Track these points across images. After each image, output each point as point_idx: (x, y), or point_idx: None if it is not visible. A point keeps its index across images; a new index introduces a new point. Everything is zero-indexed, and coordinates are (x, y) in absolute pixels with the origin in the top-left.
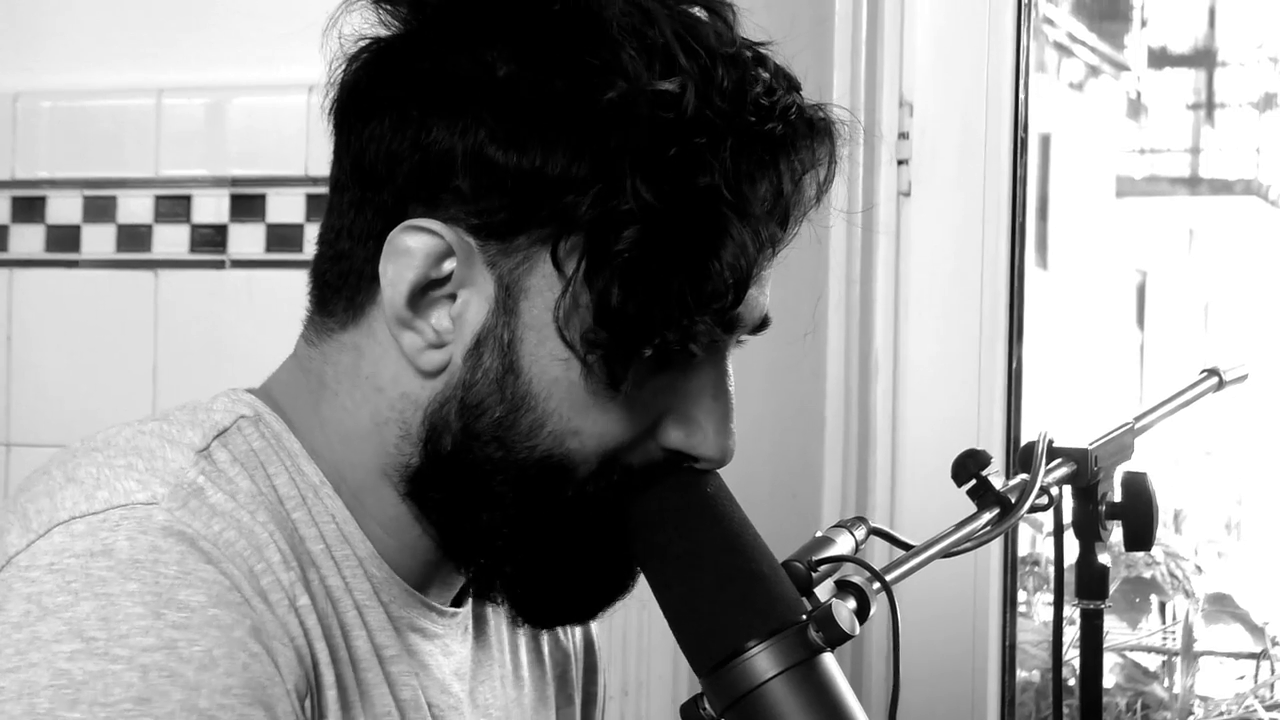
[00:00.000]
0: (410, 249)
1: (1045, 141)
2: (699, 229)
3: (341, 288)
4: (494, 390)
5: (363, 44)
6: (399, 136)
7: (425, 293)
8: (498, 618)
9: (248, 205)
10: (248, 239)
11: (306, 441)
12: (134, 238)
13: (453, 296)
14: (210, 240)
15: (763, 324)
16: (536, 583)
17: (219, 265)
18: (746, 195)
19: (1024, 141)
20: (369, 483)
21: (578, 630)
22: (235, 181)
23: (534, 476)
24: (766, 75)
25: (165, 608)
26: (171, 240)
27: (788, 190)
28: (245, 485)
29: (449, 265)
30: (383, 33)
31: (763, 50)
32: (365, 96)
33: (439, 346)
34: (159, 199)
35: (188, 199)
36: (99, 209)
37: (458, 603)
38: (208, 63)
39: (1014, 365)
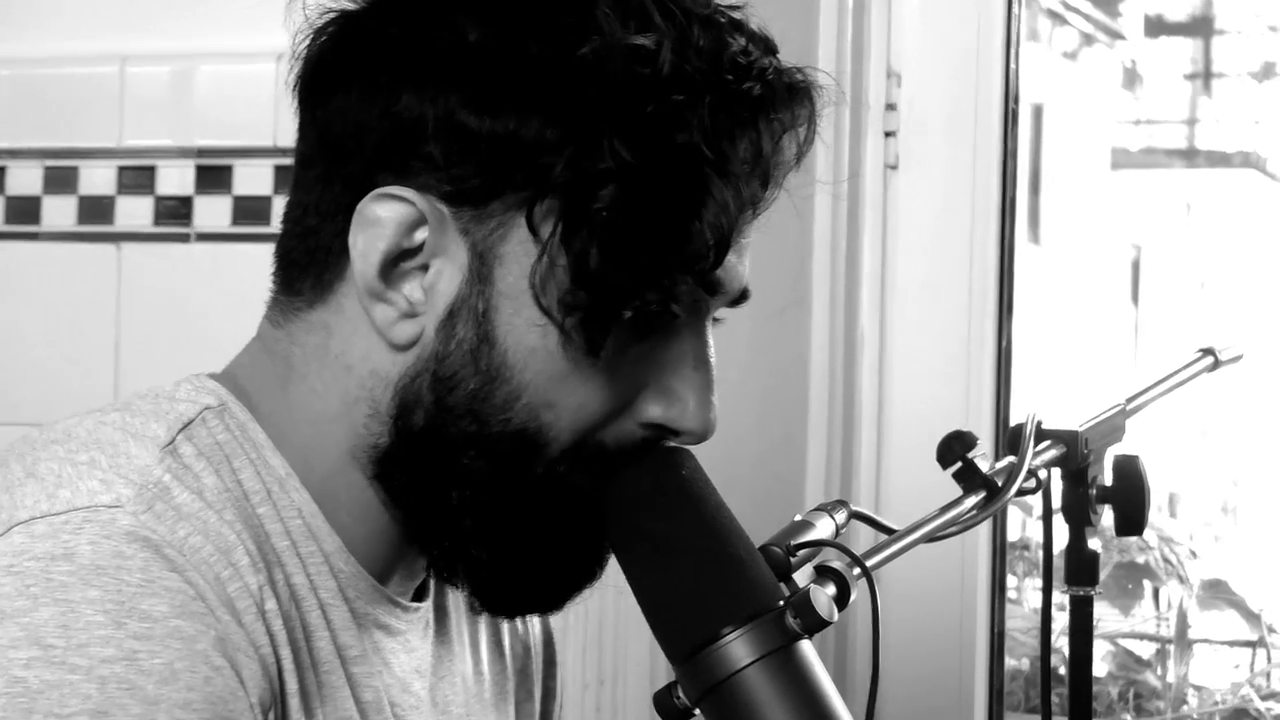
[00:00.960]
0: (381, 218)
1: (1038, 112)
2: (679, 187)
3: (309, 265)
4: (468, 362)
5: (328, 16)
6: (367, 106)
7: (397, 263)
8: (459, 612)
9: (214, 176)
10: (214, 211)
11: (273, 429)
12: (96, 210)
13: (425, 267)
14: (175, 213)
15: (742, 296)
16: (503, 568)
17: (184, 238)
18: (726, 153)
19: (1015, 113)
20: (338, 468)
21: (536, 624)
22: (201, 152)
23: (506, 451)
24: (742, 38)
25: (127, 617)
26: (135, 212)
27: (767, 149)
28: (211, 481)
29: (421, 234)
30: (348, 5)
31: (738, 15)
32: (331, 68)
33: (411, 317)
34: (122, 170)
35: (152, 170)
36: (60, 180)
37: (419, 596)
38: (173, 29)
39: (1003, 344)
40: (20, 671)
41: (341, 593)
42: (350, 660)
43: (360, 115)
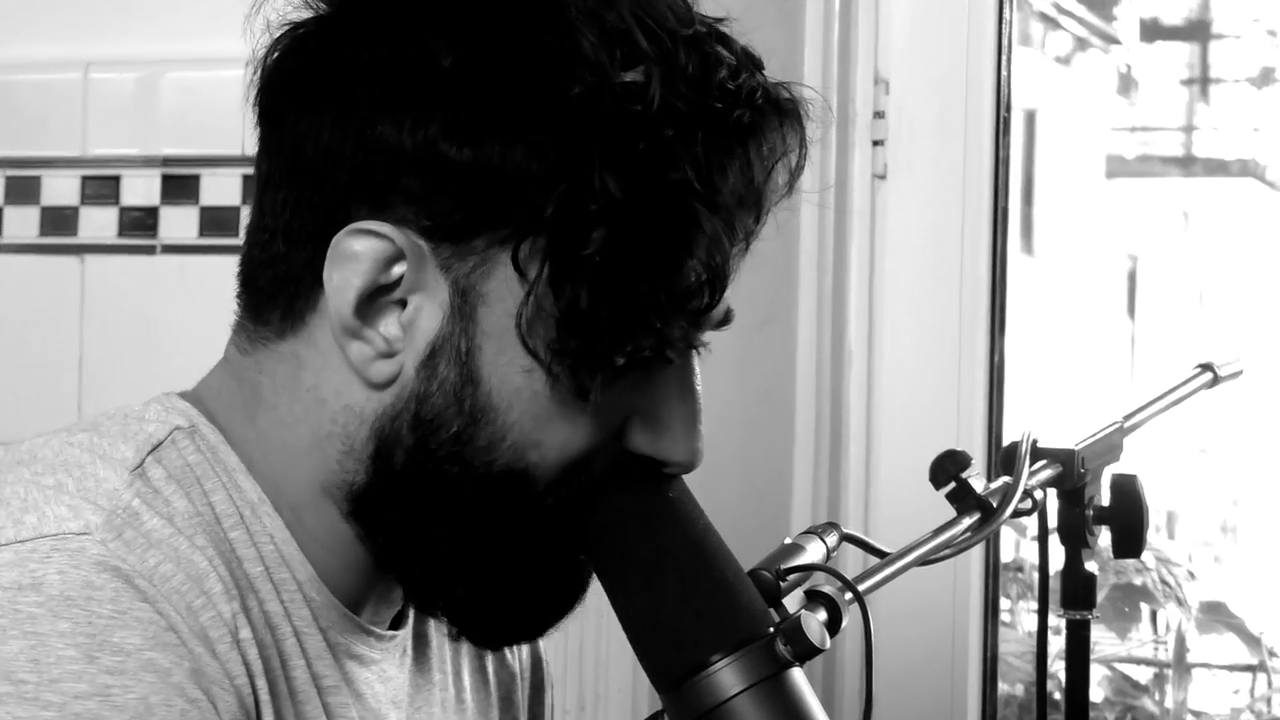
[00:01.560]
0: (357, 254)
1: (1030, 119)
2: (671, 226)
3: (277, 294)
4: (451, 403)
5: (288, 26)
6: (340, 132)
7: (373, 299)
8: (439, 638)
9: (180, 186)
10: (180, 222)
11: (243, 455)
12: (59, 220)
13: (402, 302)
14: (140, 223)
15: (725, 319)
16: (484, 602)
17: (149, 250)
18: (718, 187)
19: (1007, 120)
20: (309, 500)
21: (524, 647)
22: (167, 161)
23: (491, 492)
24: (729, 56)
25: (99, 651)
26: (99, 223)
27: (759, 179)
28: (182, 506)
29: (398, 269)
30: (308, 13)
31: (722, 28)
32: (298, 86)
33: (389, 356)
34: (86, 179)
35: (116, 179)
36: (22, 190)
37: (396, 624)
38: (138, 34)
39: (996, 359)
40: None
41: (315, 621)
42: (326, 690)
43: (333, 141)
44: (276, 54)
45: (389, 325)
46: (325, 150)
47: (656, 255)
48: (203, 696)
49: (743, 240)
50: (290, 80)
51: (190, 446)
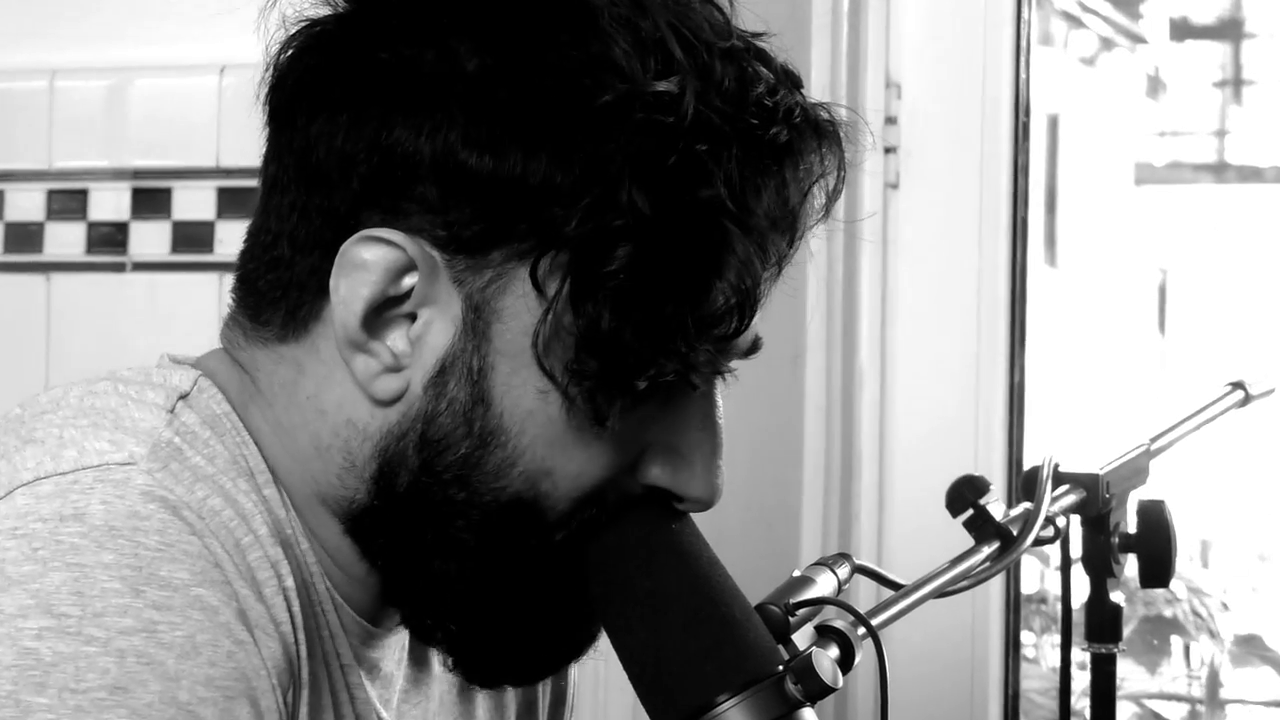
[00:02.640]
0: (366, 262)
1: (1053, 124)
2: (700, 246)
3: (280, 299)
4: (461, 424)
5: (304, 25)
6: (354, 135)
7: (381, 311)
8: None
9: (151, 200)
10: (151, 238)
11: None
12: (24, 237)
13: (412, 316)
14: (109, 240)
15: (754, 347)
16: (483, 641)
17: (119, 268)
18: (751, 207)
19: (1026, 126)
20: (308, 503)
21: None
22: (138, 174)
23: (498, 522)
24: (767, 73)
25: (145, 584)
26: (66, 240)
27: (795, 201)
28: (219, 449)
29: (409, 280)
30: (325, 12)
31: (760, 44)
32: (312, 86)
33: (395, 371)
34: (52, 193)
35: (84, 193)
36: None
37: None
38: (107, 40)
39: (1016, 379)
40: (31, 642)
41: (331, 597)
42: (346, 669)
43: (346, 145)
44: (290, 51)
45: (397, 339)
46: (338, 154)
47: (684, 275)
48: (249, 639)
49: (775, 264)
50: (304, 80)
51: (218, 396)
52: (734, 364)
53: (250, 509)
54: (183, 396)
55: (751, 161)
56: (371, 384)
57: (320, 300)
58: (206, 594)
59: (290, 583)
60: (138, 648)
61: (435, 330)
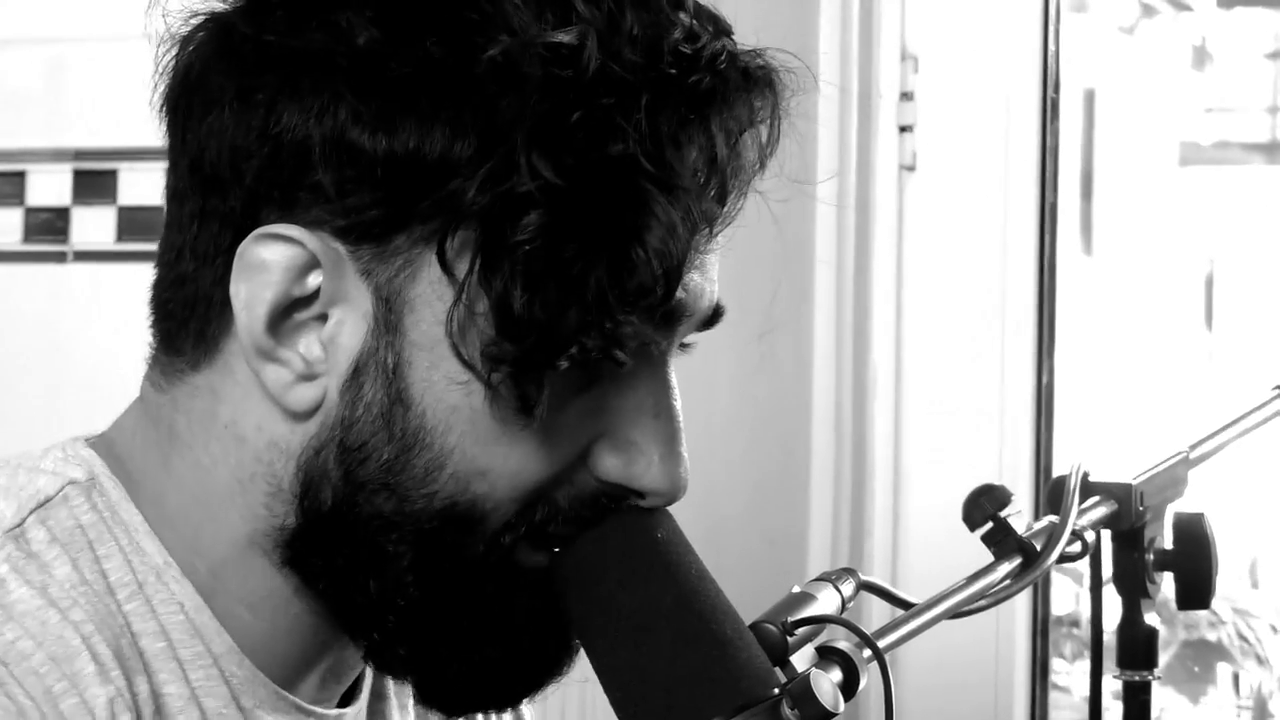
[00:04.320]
0: (265, 262)
1: (1088, 100)
2: (616, 209)
3: (188, 319)
4: (380, 427)
5: (195, 20)
6: (243, 127)
7: (288, 314)
8: (403, 713)
9: (95, 184)
10: (95, 225)
11: (153, 510)
12: None
13: (323, 317)
14: (49, 226)
15: (714, 316)
16: (443, 663)
17: (60, 257)
18: (671, 164)
19: (1056, 102)
20: (234, 554)
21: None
22: (79, 154)
23: (435, 530)
24: (686, 18)
25: None
26: (2, 226)
27: (722, 155)
28: (63, 573)
29: (314, 279)
30: (217, 5)
31: None
32: (200, 83)
33: (310, 379)
34: None
35: (21, 176)
36: None
37: (348, 698)
38: (45, 9)
39: (1044, 380)
40: None
41: (235, 701)
42: None
43: (235, 138)
44: (179, 52)
45: (309, 344)
46: (229, 150)
47: (599, 243)
48: None
49: (706, 225)
50: (190, 78)
51: (84, 505)
52: (693, 339)
53: (75, 646)
54: (41, 505)
55: (668, 114)
56: (285, 395)
57: (228, 314)
58: None
59: (127, 718)
60: None
61: (348, 329)
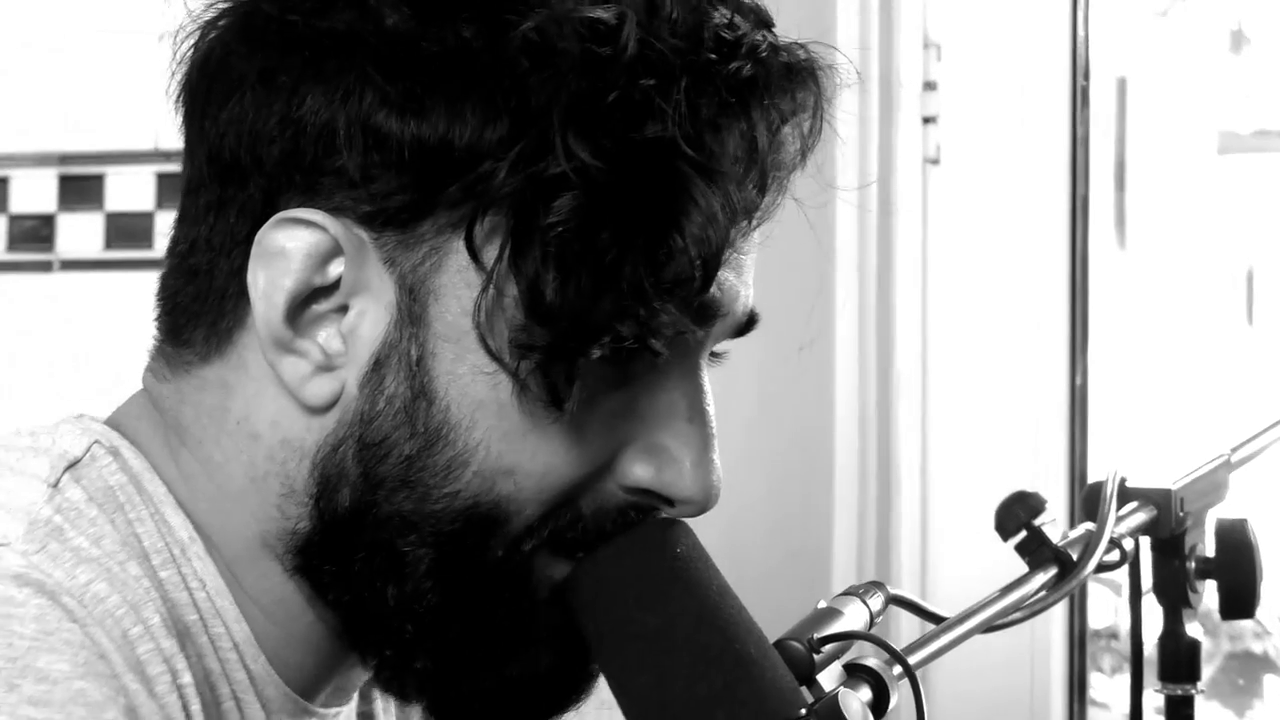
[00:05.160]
0: (285, 249)
1: (1120, 87)
2: (653, 193)
3: (200, 312)
4: (401, 422)
5: (218, 7)
6: (264, 111)
7: (308, 304)
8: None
9: (81, 189)
10: (82, 232)
11: (170, 489)
12: None
13: (343, 308)
14: (34, 234)
15: (748, 323)
16: (459, 679)
17: (45, 266)
18: (711, 148)
19: (1086, 90)
20: (246, 554)
21: None
22: (65, 159)
23: (456, 533)
24: (727, 9)
25: (20, 678)
26: None
27: (763, 144)
28: (108, 530)
29: (336, 268)
30: None
31: None
32: (221, 71)
33: (328, 371)
34: None
35: (3, 182)
36: None
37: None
38: (29, 2)
39: (1077, 382)
40: None
41: (253, 688)
42: None
43: (256, 124)
44: (199, 39)
45: (328, 336)
46: (249, 136)
47: (635, 227)
48: None
49: (745, 216)
50: (210, 65)
51: (113, 466)
52: (725, 346)
53: (141, 595)
54: (72, 465)
55: (709, 98)
56: (303, 389)
57: (243, 306)
58: (90, 688)
59: (187, 679)
60: None
61: (369, 320)
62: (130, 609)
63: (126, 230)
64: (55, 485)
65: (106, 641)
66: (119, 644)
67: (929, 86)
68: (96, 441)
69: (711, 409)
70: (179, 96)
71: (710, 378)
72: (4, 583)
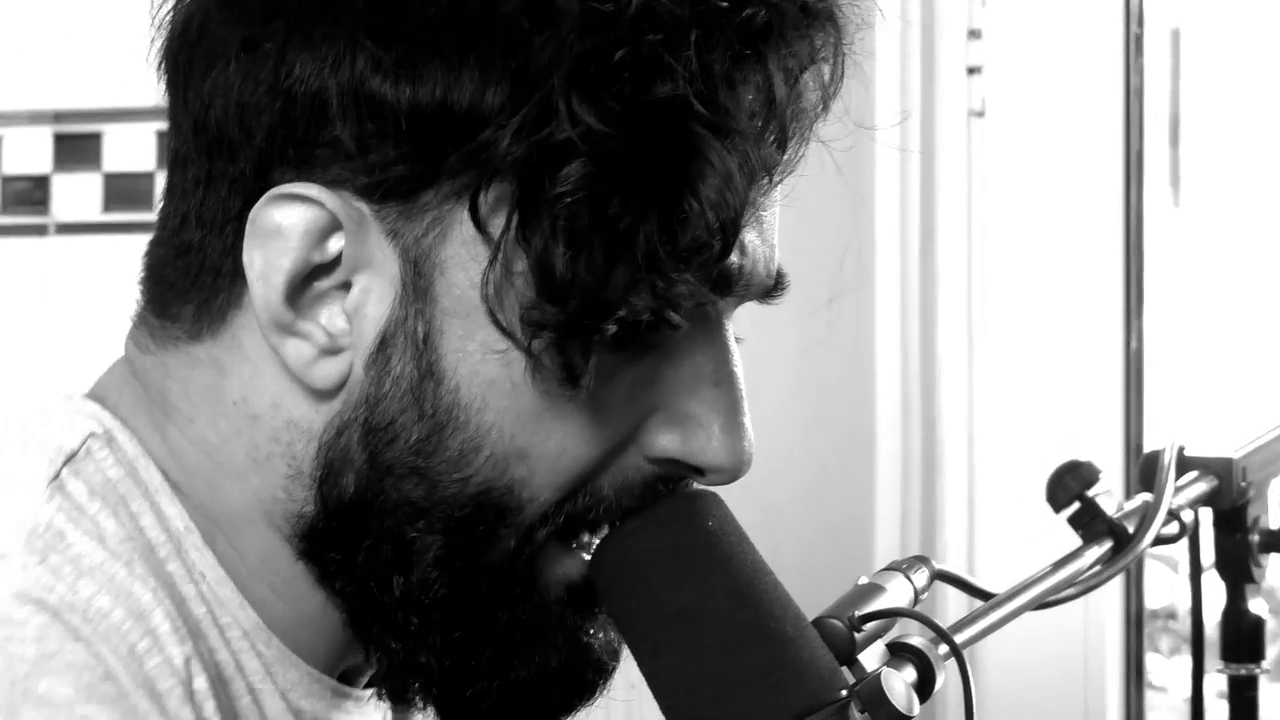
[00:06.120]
0: (281, 227)
1: (1175, 38)
2: (665, 156)
3: (190, 289)
4: (409, 404)
5: None
6: (250, 81)
7: (308, 283)
8: None
9: (78, 148)
10: (78, 194)
11: (165, 473)
12: None
13: (346, 286)
14: (28, 196)
15: (777, 285)
16: (465, 677)
17: (40, 230)
18: (725, 106)
19: (1140, 39)
20: (250, 533)
21: None
22: (60, 116)
23: (467, 520)
24: None
25: (22, 702)
26: None
27: (781, 95)
28: (111, 526)
29: (336, 243)
30: None
31: None
32: (201, 35)
33: (334, 353)
34: None
35: None
36: None
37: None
38: None
39: (1133, 346)
40: None
41: (270, 677)
42: None
43: (243, 94)
44: (179, 5)
45: (331, 315)
46: (237, 108)
47: (648, 193)
48: None
49: (766, 174)
50: (191, 30)
51: (110, 459)
52: (746, 304)
53: (148, 602)
54: (70, 459)
55: (721, 51)
56: (308, 372)
57: (238, 285)
58: (95, 713)
59: (201, 684)
60: None
61: (374, 298)
62: (136, 620)
63: (126, 192)
64: (55, 481)
65: (113, 659)
66: (126, 661)
67: (973, 35)
68: (92, 433)
69: (740, 370)
70: (159, 64)
71: (743, 346)
72: (3, 602)
